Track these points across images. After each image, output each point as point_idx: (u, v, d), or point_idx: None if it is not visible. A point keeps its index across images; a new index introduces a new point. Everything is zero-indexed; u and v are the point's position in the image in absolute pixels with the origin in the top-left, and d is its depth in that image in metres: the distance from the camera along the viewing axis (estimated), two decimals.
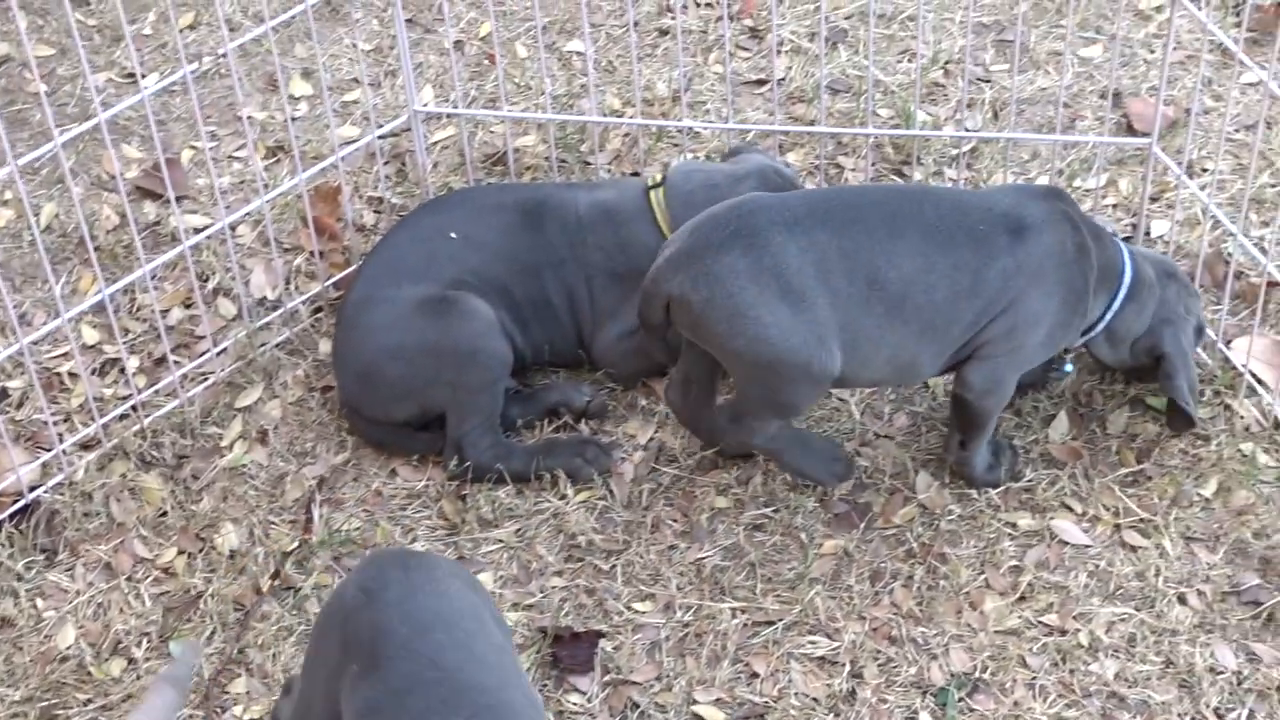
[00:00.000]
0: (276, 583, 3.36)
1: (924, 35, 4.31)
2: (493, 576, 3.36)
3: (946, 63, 4.29)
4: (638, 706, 3.17)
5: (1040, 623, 3.24)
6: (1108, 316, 3.36)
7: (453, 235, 3.57)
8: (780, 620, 3.26)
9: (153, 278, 3.80)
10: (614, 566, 3.37)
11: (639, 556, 3.38)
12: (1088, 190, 3.93)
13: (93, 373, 3.74)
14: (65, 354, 3.76)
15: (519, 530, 3.43)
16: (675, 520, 3.44)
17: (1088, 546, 3.34)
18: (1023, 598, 3.28)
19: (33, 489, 3.50)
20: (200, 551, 3.44)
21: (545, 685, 3.19)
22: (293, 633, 3.29)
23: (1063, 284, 3.25)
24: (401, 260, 3.58)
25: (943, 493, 3.44)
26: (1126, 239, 3.83)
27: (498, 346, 3.48)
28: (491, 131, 4.20)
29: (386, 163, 4.14)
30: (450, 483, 3.49)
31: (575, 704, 3.18)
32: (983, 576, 3.31)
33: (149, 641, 3.30)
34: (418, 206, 3.81)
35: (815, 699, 3.15)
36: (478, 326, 3.46)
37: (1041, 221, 3.24)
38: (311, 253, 3.89)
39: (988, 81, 4.25)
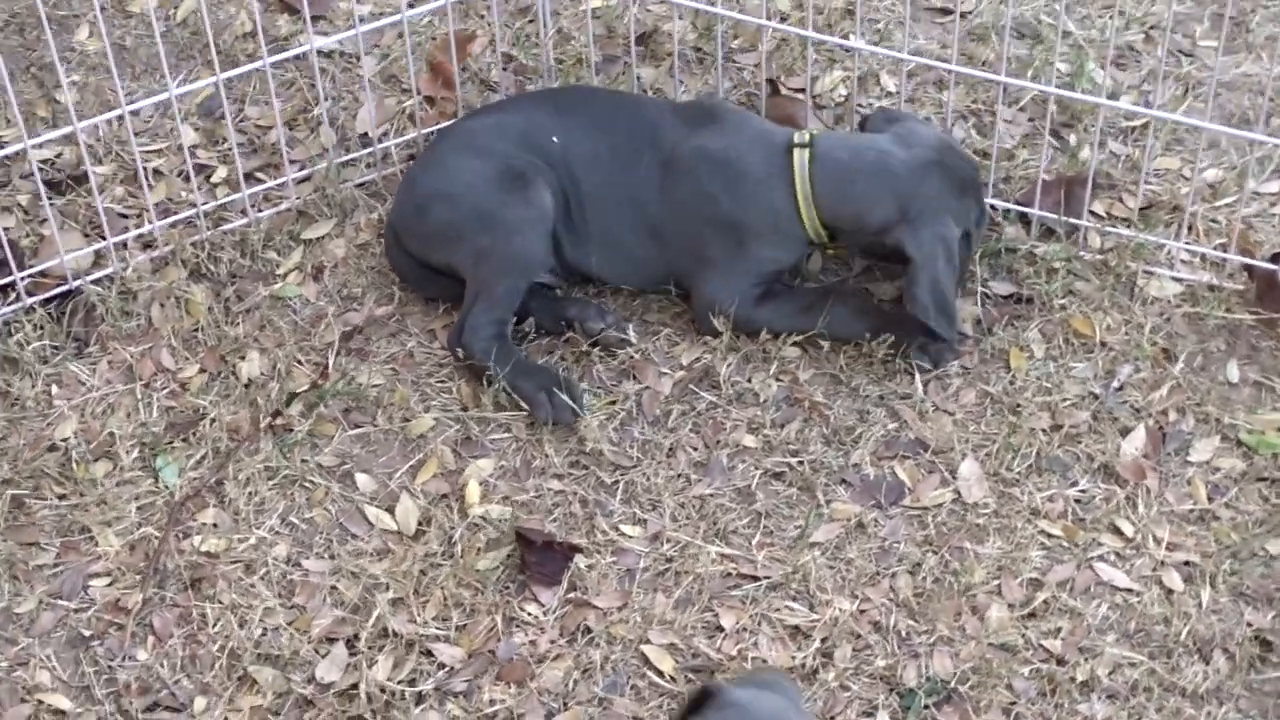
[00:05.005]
0: (278, 421, 3.26)
1: None
2: (493, 464, 3.20)
3: (1150, 27, 3.90)
4: (589, 631, 2.98)
5: (1040, 646, 2.94)
6: None
7: (554, 139, 3.39)
8: (766, 578, 3.03)
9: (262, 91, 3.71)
10: (616, 482, 3.18)
11: (644, 478, 3.18)
12: (1255, 194, 3.54)
13: (180, 175, 3.67)
14: (158, 150, 3.71)
15: (532, 424, 3.26)
16: (695, 449, 3.23)
17: (1120, 577, 3.02)
18: (1032, 614, 2.98)
19: (77, 277, 3.46)
20: (220, 375, 3.36)
21: (508, 588, 3.03)
22: (275, 475, 3.19)
23: None
24: (509, 130, 3.41)
25: (983, 483, 3.15)
26: None
27: (537, 243, 3.30)
28: (648, 10, 3.98)
29: (531, 21, 3.95)
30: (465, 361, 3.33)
31: (529, 614, 3.00)
32: (996, 581, 3.02)
33: (138, 451, 3.24)
34: (542, 90, 3.63)
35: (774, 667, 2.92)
36: (531, 215, 3.29)
37: None
38: (427, 97, 3.74)
39: (1190, 55, 3.85)
